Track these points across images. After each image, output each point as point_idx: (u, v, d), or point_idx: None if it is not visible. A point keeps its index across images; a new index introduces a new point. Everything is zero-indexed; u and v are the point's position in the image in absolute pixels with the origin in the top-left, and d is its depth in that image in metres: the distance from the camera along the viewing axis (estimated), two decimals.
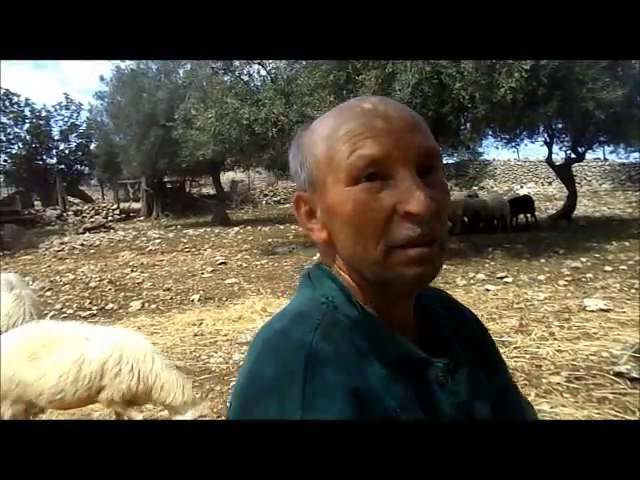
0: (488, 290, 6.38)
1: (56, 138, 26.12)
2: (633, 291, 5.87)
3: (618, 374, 3.52)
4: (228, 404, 0.65)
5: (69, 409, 3.15)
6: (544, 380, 3.61)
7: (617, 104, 8.84)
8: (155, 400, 2.79)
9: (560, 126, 12.84)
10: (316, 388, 0.50)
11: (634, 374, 3.43)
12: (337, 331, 0.57)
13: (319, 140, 0.61)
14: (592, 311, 5.03)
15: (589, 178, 24.30)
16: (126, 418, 2.88)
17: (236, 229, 15.34)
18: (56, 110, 25.91)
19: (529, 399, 3.36)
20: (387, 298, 0.62)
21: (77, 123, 26.25)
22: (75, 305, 7.23)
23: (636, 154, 19.91)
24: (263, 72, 10.86)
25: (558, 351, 4.11)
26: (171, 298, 7.33)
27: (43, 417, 3.25)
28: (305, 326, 0.56)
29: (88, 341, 2.79)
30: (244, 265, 9.62)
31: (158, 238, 14.71)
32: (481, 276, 7.22)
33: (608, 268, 7.19)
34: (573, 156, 13.79)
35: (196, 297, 7.17)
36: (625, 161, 22.14)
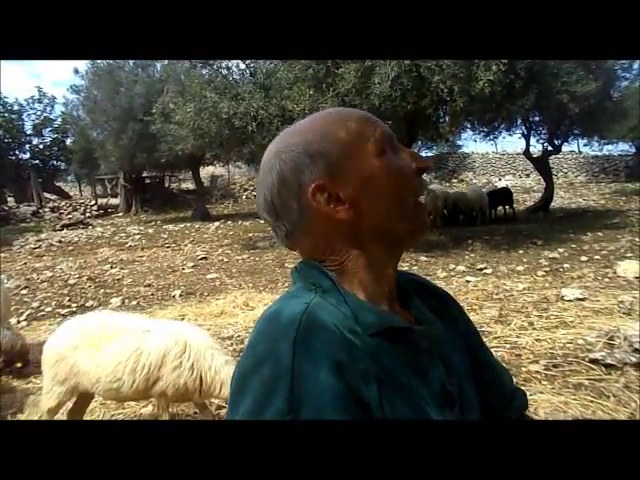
0: (468, 281, 6.48)
1: (29, 133, 25.51)
2: (606, 280, 6.03)
3: (593, 361, 3.62)
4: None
5: (125, 401, 3.16)
6: (523, 369, 3.68)
7: (591, 97, 9.01)
8: (215, 396, 2.78)
9: (537, 119, 13.04)
10: (304, 358, 0.55)
11: (608, 360, 3.53)
12: (324, 310, 0.62)
13: (336, 131, 0.69)
14: (569, 300, 5.15)
15: (565, 170, 24.74)
16: (165, 417, 2.87)
17: (216, 224, 15.24)
18: (28, 104, 25.30)
19: None
20: (387, 263, 0.71)
21: (51, 117, 25.68)
22: (54, 303, 7.11)
23: (609, 146, 20.44)
24: (242, 66, 10.77)
25: (537, 340, 4.19)
26: (152, 294, 7.26)
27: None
28: (295, 306, 0.62)
29: (148, 333, 2.81)
30: (225, 260, 9.57)
31: (138, 234, 14.53)
32: (461, 268, 7.32)
33: (584, 258, 7.36)
34: (550, 148, 14.03)
35: (177, 293, 7.12)
36: (599, 153, 22.64)
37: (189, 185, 24.05)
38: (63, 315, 6.43)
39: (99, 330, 2.86)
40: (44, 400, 2.97)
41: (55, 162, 26.28)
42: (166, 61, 15.31)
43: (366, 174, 0.68)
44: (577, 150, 24.18)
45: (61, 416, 3.08)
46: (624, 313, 4.59)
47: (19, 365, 4.55)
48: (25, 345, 4.64)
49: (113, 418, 3.44)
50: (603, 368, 3.52)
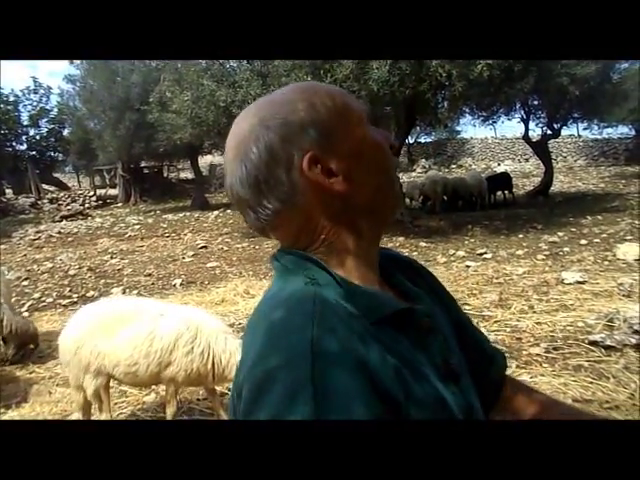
0: (468, 266, 6.49)
1: (25, 124, 25.35)
2: (606, 263, 6.04)
3: (593, 343, 3.64)
4: (230, 398, 0.63)
5: (143, 386, 3.21)
6: (524, 352, 3.71)
7: (590, 79, 8.95)
8: (231, 379, 2.78)
9: (536, 103, 12.96)
10: (324, 362, 0.51)
11: (608, 342, 3.55)
12: (331, 313, 0.56)
13: (323, 100, 0.66)
14: (569, 284, 5.16)
15: (564, 154, 24.67)
16: (172, 404, 2.89)
17: (216, 213, 15.22)
18: (24, 94, 25.10)
19: (510, 371, 3.45)
20: (374, 241, 0.69)
21: (47, 108, 25.48)
22: (55, 294, 7.13)
23: (609, 130, 20.35)
24: None
25: (537, 323, 4.21)
26: (152, 283, 7.28)
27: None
28: (302, 316, 0.55)
29: (162, 317, 2.83)
30: (225, 248, 9.58)
31: (137, 224, 14.52)
32: (461, 253, 7.33)
33: (583, 242, 7.37)
34: (549, 132, 13.97)
35: (178, 282, 7.14)
36: (598, 137, 22.55)
37: (188, 174, 23.99)
38: (64, 306, 6.46)
39: (114, 315, 2.89)
40: (75, 395, 3.00)
41: (52, 153, 26.15)
42: None
43: (357, 145, 0.65)
44: (576, 134, 24.09)
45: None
46: (624, 295, 4.60)
47: (32, 346, 4.65)
48: (36, 329, 4.75)
49: (116, 406, 3.47)
50: (603, 350, 3.55)
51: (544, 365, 3.48)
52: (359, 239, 0.66)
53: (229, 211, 15.55)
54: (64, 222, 16.61)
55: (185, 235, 11.85)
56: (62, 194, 22.41)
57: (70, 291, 7.22)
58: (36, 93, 25.21)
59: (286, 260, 0.66)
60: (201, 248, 9.76)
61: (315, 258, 0.64)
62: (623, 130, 22.22)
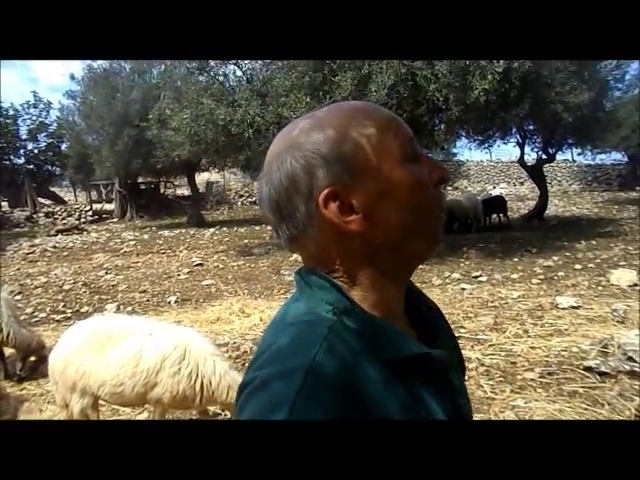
0: (463, 289, 6.50)
1: (24, 137, 25.43)
2: (600, 288, 6.07)
3: (588, 369, 3.64)
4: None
5: (129, 406, 3.15)
6: (519, 377, 3.70)
7: (584, 107, 9.11)
8: (221, 402, 2.77)
9: (531, 128, 13.15)
10: (308, 401, 0.51)
11: (602, 368, 3.55)
12: (340, 342, 0.57)
13: (359, 131, 0.62)
14: (564, 308, 5.18)
15: (559, 178, 24.93)
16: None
17: (212, 230, 15.22)
18: (24, 109, 25.24)
19: (504, 395, 3.45)
20: (401, 279, 0.67)
21: (46, 122, 25.62)
22: (48, 308, 7.08)
23: (602, 156, 20.62)
24: (239, 73, 10.81)
25: (532, 348, 4.22)
26: (147, 300, 7.24)
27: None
28: (314, 338, 0.57)
29: (150, 336, 2.79)
30: (220, 266, 9.56)
31: (133, 240, 14.49)
32: (456, 275, 7.35)
33: (578, 266, 7.41)
34: (544, 157, 14.14)
35: (173, 299, 7.10)
36: (592, 162, 22.84)
37: (184, 191, 24.03)
38: (57, 321, 6.41)
39: (102, 333, 2.86)
40: (62, 415, 2.95)
41: (50, 167, 26.22)
42: (163, 67, 15.34)
43: (385, 184, 0.61)
44: (571, 159, 24.40)
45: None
46: (618, 321, 4.62)
47: (33, 359, 4.60)
48: (41, 341, 4.70)
49: None
50: (597, 376, 3.55)
51: (538, 390, 3.48)
52: (381, 275, 0.64)
53: (225, 228, 15.56)
54: (59, 236, 16.56)
55: (181, 252, 11.82)
56: (58, 208, 22.39)
57: (64, 306, 7.17)
58: (36, 107, 25.40)
59: (309, 279, 0.65)
60: (196, 265, 9.74)
61: (337, 283, 0.63)
62: (616, 156, 22.55)
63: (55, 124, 25.17)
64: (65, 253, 13.04)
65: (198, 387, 2.72)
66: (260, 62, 10.70)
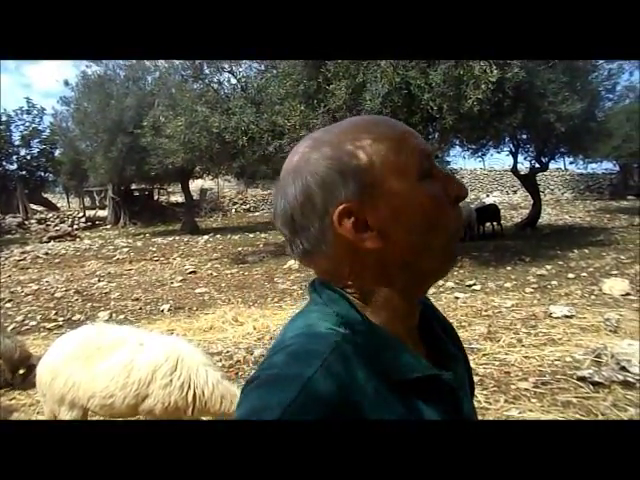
0: (457, 298, 6.51)
1: (17, 144, 25.31)
2: (593, 297, 6.10)
3: (581, 378, 3.64)
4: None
5: (120, 417, 3.10)
6: (512, 386, 3.70)
7: (576, 117, 9.20)
8: (214, 412, 2.72)
9: (525, 137, 13.25)
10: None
11: (596, 378, 3.55)
12: (343, 360, 0.57)
13: (375, 147, 0.61)
14: (557, 317, 5.19)
15: (552, 187, 25.11)
16: None
17: (205, 237, 15.18)
18: (17, 115, 25.13)
19: (498, 405, 3.44)
20: (415, 297, 0.66)
21: (40, 128, 25.52)
22: (39, 316, 7.01)
23: (594, 165, 20.82)
24: (233, 80, 10.85)
25: (525, 357, 4.22)
26: (140, 308, 7.19)
27: None
28: (316, 353, 0.57)
29: (141, 347, 2.75)
30: (214, 274, 9.52)
31: (126, 247, 14.42)
32: (450, 284, 7.35)
33: (571, 275, 7.44)
34: (537, 166, 14.24)
35: (166, 307, 7.06)
36: (584, 171, 23.05)
37: (178, 198, 23.98)
38: (49, 329, 6.34)
39: (94, 343, 2.82)
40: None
41: (43, 173, 26.08)
42: (157, 74, 15.35)
43: (401, 201, 0.60)
44: (563, 167, 24.60)
45: None
46: (610, 330, 4.64)
47: (21, 372, 4.54)
48: (25, 351, 4.62)
49: None
50: (591, 386, 3.55)
51: (532, 400, 3.47)
52: (394, 293, 0.63)
53: (219, 236, 15.52)
54: (52, 243, 16.45)
55: (174, 259, 11.78)
56: (51, 214, 22.27)
57: (55, 314, 7.10)
58: (29, 114, 25.29)
59: (322, 292, 0.65)
60: (190, 273, 9.70)
61: (350, 298, 0.63)
62: (607, 166, 22.76)
63: (48, 130, 25.09)
64: (57, 260, 12.94)
65: (190, 398, 2.68)
66: (255, 70, 10.75)
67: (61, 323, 6.61)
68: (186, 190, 19.07)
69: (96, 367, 2.71)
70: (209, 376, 2.72)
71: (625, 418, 3.08)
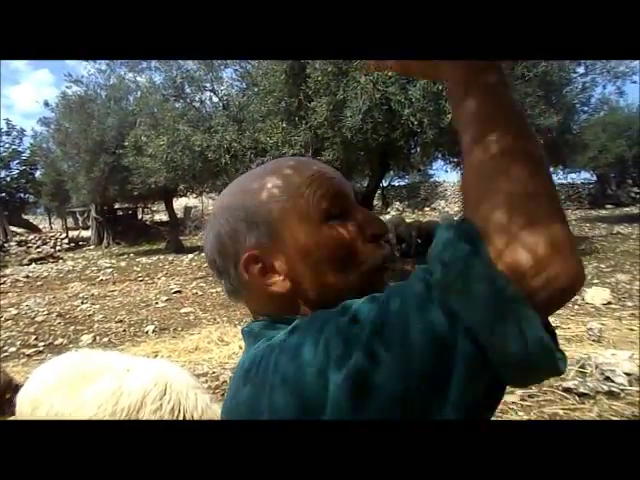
0: None
1: None
2: (576, 307, 6.16)
3: (567, 390, 3.66)
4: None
5: None
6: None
7: (553, 130, 9.39)
8: None
9: None
10: None
11: (581, 389, 3.58)
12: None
13: (272, 194, 0.63)
14: None
15: None
16: None
17: (190, 256, 15.06)
18: None
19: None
20: None
21: (19, 149, 25.26)
22: (19, 342, 6.84)
23: (573, 175, 21.23)
24: (215, 99, 10.88)
25: None
26: (124, 330, 7.08)
27: None
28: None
29: (129, 372, 2.68)
30: (199, 293, 9.43)
31: (109, 267, 14.23)
32: None
33: None
34: None
35: (150, 328, 6.96)
36: (564, 181, 23.46)
37: (162, 217, 23.82)
38: (28, 355, 6.20)
39: (75, 371, 2.74)
40: None
41: (23, 195, 25.74)
42: (139, 94, 15.33)
43: (303, 244, 0.62)
44: None
45: None
46: (594, 340, 4.68)
47: (7, 396, 4.41)
48: (6, 374, 4.50)
49: None
50: (577, 397, 3.57)
51: (520, 413, 3.48)
52: None
53: (204, 254, 15.39)
54: (33, 265, 16.17)
55: (159, 279, 11.65)
56: (32, 236, 21.92)
57: (36, 339, 6.95)
58: (9, 135, 25.05)
59: (255, 326, 0.65)
60: (175, 293, 9.60)
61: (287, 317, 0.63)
62: (586, 176, 23.21)
63: (28, 151, 24.84)
64: (39, 283, 12.72)
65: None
66: (236, 88, 10.80)
67: (42, 348, 6.47)
68: (170, 209, 18.95)
69: (81, 395, 2.64)
70: (198, 400, 2.68)
71: None
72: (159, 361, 3.47)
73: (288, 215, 0.63)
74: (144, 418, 2.62)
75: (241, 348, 5.54)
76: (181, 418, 2.65)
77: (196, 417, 2.65)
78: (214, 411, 2.67)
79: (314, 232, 0.62)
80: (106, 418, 2.59)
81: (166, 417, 2.63)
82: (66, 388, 2.67)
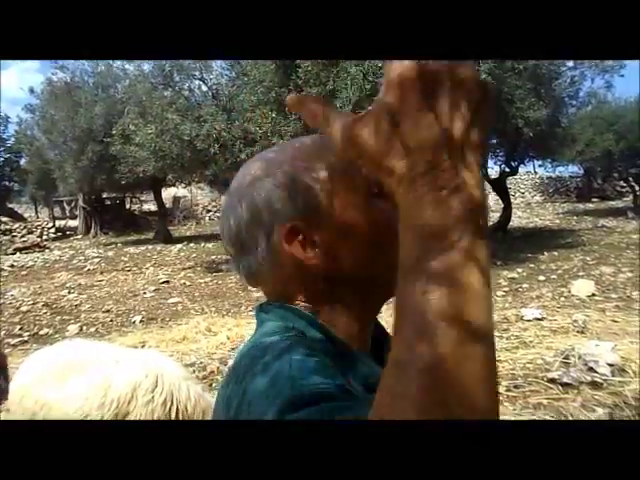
0: None
1: None
2: (563, 299, 6.23)
3: (551, 380, 3.71)
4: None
5: None
6: None
7: (542, 122, 9.44)
8: None
9: (494, 142, 13.52)
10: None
11: (565, 379, 3.63)
12: (307, 343, 0.56)
13: (319, 164, 0.61)
14: (528, 320, 5.28)
15: (522, 190, 25.66)
16: None
17: (179, 246, 14.98)
18: None
19: None
20: (366, 315, 0.64)
21: (4, 137, 24.86)
22: (2, 332, 6.76)
23: (561, 168, 21.38)
24: (204, 88, 10.79)
25: (498, 361, 4.25)
26: (111, 320, 7.04)
27: None
28: (280, 349, 0.54)
29: (118, 364, 2.65)
30: (187, 283, 9.40)
31: (97, 257, 14.11)
32: None
33: (541, 277, 7.60)
34: (507, 170, 14.53)
35: (138, 318, 6.93)
36: (552, 174, 23.65)
37: (151, 206, 23.64)
38: (13, 345, 6.14)
39: (63, 361, 2.72)
40: None
41: (7, 183, 25.36)
42: (127, 82, 15.14)
43: (348, 220, 0.60)
44: (533, 171, 25.17)
45: None
46: (578, 332, 4.74)
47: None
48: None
49: None
50: (560, 387, 3.61)
51: (505, 404, 3.51)
52: (344, 311, 0.62)
53: (192, 244, 15.34)
54: (18, 255, 15.98)
55: (147, 269, 11.57)
56: (17, 225, 21.62)
57: (20, 329, 6.89)
58: None
59: (270, 311, 0.63)
60: (163, 283, 9.55)
61: (299, 309, 0.62)
62: (573, 169, 23.38)
63: (13, 139, 24.45)
64: (24, 272, 12.58)
65: (174, 414, 2.61)
66: (226, 77, 10.70)
67: (26, 338, 6.42)
68: (158, 198, 18.80)
69: (69, 386, 2.61)
70: (191, 391, 2.66)
71: (593, 418, 3.15)
72: (148, 352, 3.45)
73: (335, 188, 0.60)
74: (135, 410, 2.60)
75: (229, 339, 5.52)
76: (174, 410, 2.63)
77: (190, 408, 2.64)
78: (207, 401, 2.67)
79: (357, 210, 0.60)
80: (93, 411, 2.57)
81: (158, 409, 2.61)
82: (54, 378, 2.65)
